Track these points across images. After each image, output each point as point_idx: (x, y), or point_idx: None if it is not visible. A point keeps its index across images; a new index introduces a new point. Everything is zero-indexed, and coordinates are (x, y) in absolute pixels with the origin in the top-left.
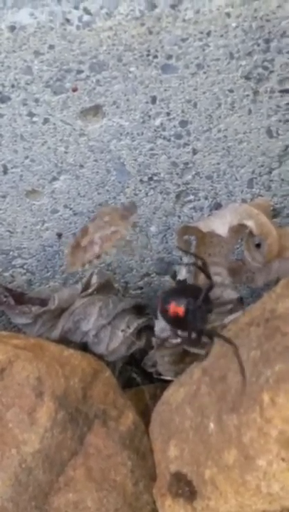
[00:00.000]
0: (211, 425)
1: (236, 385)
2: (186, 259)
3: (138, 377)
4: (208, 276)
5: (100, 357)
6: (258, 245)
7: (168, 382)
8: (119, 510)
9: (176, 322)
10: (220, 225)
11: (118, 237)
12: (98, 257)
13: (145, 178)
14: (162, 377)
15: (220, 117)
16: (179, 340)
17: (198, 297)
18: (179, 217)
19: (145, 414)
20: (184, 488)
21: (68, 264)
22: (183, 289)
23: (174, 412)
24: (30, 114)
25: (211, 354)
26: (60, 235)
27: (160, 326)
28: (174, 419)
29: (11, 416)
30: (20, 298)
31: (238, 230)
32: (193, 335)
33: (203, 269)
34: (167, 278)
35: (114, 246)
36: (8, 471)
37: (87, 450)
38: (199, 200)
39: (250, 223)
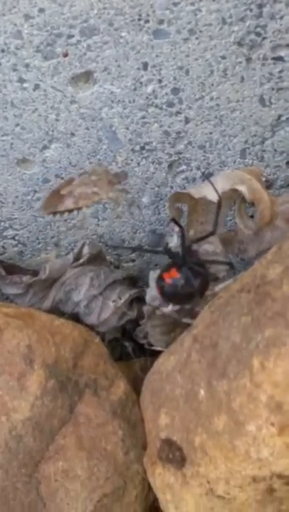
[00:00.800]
0: (202, 392)
1: (227, 352)
2: (177, 228)
3: (129, 347)
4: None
5: (91, 327)
6: (251, 216)
7: (159, 354)
8: (109, 479)
9: (175, 287)
10: (211, 190)
11: (95, 199)
12: (70, 211)
13: (137, 148)
14: (153, 347)
15: (212, 85)
16: (169, 308)
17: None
18: (172, 187)
19: (136, 386)
20: (175, 452)
21: (41, 206)
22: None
23: (165, 381)
24: (21, 80)
25: (202, 322)
26: None
27: (151, 294)
28: (164, 387)
29: (1, 383)
30: (11, 269)
31: (231, 196)
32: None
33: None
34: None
35: (87, 207)
36: None
37: (77, 419)
38: (192, 170)
39: (242, 188)
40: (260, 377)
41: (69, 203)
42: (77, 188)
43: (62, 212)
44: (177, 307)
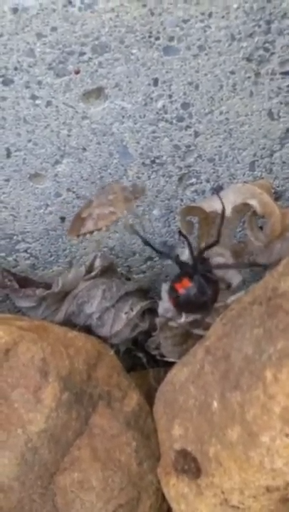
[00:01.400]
0: (215, 403)
1: (240, 363)
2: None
3: (143, 358)
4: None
5: (104, 339)
6: (260, 228)
7: (171, 364)
8: (124, 489)
9: (188, 297)
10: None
11: (114, 219)
12: (91, 232)
13: (148, 161)
14: (166, 358)
15: (222, 99)
16: (182, 319)
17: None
18: (182, 200)
19: (149, 396)
20: (190, 464)
21: (68, 230)
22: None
23: (178, 392)
24: (33, 97)
25: (214, 334)
26: (63, 219)
27: (164, 306)
28: (177, 398)
29: (17, 396)
30: (24, 282)
31: (241, 209)
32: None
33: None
34: (170, 262)
35: (107, 227)
36: (15, 451)
37: (92, 430)
38: (201, 183)
39: (253, 202)
40: (274, 388)
41: (90, 225)
42: (96, 210)
43: (84, 235)
44: (190, 319)
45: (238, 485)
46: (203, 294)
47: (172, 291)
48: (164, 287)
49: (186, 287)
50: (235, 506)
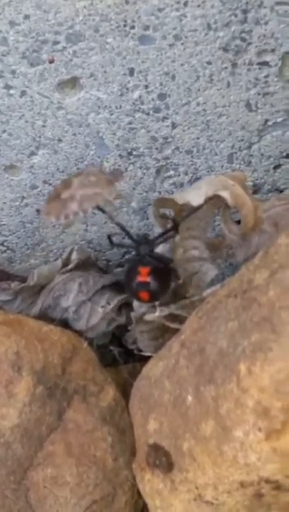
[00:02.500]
0: (189, 398)
1: (214, 357)
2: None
3: (118, 353)
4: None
5: (80, 333)
6: (238, 222)
7: (148, 358)
8: (98, 485)
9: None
10: (195, 196)
11: (98, 200)
12: (76, 214)
13: (124, 153)
14: (142, 353)
15: (198, 90)
16: (157, 313)
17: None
18: (160, 192)
19: (125, 391)
20: (161, 458)
21: (44, 212)
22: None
23: (153, 386)
24: (7, 87)
25: (189, 327)
26: (39, 211)
27: None
28: (153, 393)
29: None
30: (0, 275)
31: (214, 202)
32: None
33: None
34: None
35: (93, 208)
36: None
37: (66, 425)
38: (179, 175)
39: (224, 194)
40: (247, 382)
41: (74, 207)
42: (78, 191)
43: (67, 216)
44: (165, 312)
45: (212, 480)
46: (164, 274)
47: (139, 285)
48: None
49: (148, 274)
50: (209, 502)
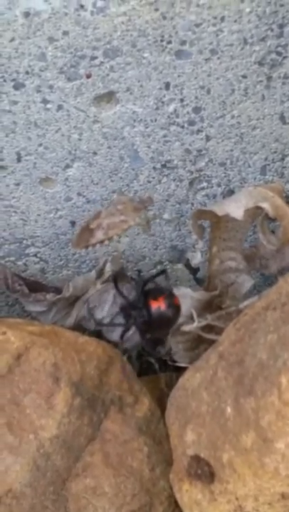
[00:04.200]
0: (228, 409)
1: (254, 369)
2: (200, 245)
3: (155, 363)
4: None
5: (114, 344)
6: (272, 232)
7: (183, 369)
8: (136, 495)
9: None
10: (235, 208)
11: (125, 227)
12: (101, 242)
13: (158, 166)
14: (177, 364)
15: (233, 103)
16: (195, 324)
17: None
18: (192, 204)
19: (161, 402)
20: (204, 468)
21: (73, 242)
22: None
23: (191, 397)
24: (44, 101)
25: (227, 339)
26: (73, 223)
27: None
28: (190, 404)
29: (28, 402)
30: (34, 286)
31: (253, 213)
32: None
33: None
34: (180, 266)
35: (118, 235)
36: (27, 456)
37: (103, 436)
38: (212, 187)
39: (265, 205)
40: None
41: (99, 235)
42: (105, 220)
43: (94, 245)
44: (203, 323)
45: (253, 491)
46: None
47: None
48: (176, 292)
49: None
50: None
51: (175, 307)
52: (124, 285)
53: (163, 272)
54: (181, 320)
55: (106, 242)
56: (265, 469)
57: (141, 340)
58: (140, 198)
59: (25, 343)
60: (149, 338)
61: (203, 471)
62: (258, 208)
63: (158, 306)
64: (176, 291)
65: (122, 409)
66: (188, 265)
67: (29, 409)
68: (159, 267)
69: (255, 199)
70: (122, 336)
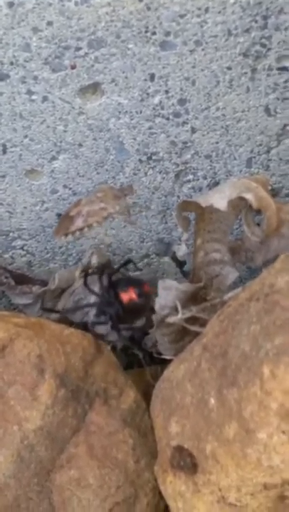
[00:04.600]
0: (212, 400)
1: (237, 360)
2: (185, 237)
3: (141, 355)
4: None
5: (101, 337)
6: (257, 224)
7: (168, 361)
8: (120, 487)
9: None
10: (219, 199)
11: (104, 215)
12: (81, 230)
13: (144, 158)
14: (162, 356)
15: (218, 95)
16: (179, 315)
17: None
18: (178, 197)
19: (146, 394)
20: (186, 459)
21: (54, 231)
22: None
23: (175, 389)
24: (29, 92)
25: (211, 330)
26: (59, 216)
27: (160, 303)
28: (174, 395)
29: (13, 393)
30: (20, 279)
31: (237, 204)
32: None
33: None
34: (167, 259)
35: (98, 222)
36: (11, 448)
37: (88, 428)
38: (198, 179)
39: (249, 196)
40: (271, 385)
41: (79, 222)
42: (85, 207)
43: (73, 232)
44: (187, 315)
45: (236, 482)
46: None
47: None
48: (161, 284)
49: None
50: (232, 504)
51: (145, 295)
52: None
53: (128, 261)
54: (165, 312)
55: (85, 230)
56: (247, 460)
57: (116, 333)
58: (121, 186)
59: (10, 335)
60: (134, 330)
61: (186, 463)
62: (242, 199)
63: (129, 297)
64: (160, 283)
65: (107, 401)
66: (174, 258)
67: (13, 401)
68: (145, 260)
69: (238, 190)
70: (93, 326)
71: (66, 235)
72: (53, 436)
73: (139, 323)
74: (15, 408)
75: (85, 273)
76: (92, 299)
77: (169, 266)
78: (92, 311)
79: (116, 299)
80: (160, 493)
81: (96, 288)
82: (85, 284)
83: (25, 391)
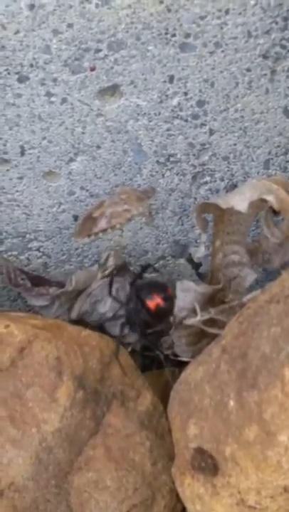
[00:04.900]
0: (231, 403)
1: (257, 362)
2: (203, 238)
3: (161, 355)
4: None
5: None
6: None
7: (184, 364)
8: (138, 489)
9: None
10: (239, 201)
11: (128, 216)
12: (104, 231)
13: (162, 159)
14: (179, 358)
15: (237, 97)
16: (197, 319)
17: None
18: (195, 199)
19: (164, 396)
20: (207, 460)
21: (76, 233)
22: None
23: (193, 391)
24: (49, 94)
25: (230, 332)
26: (76, 218)
27: (179, 305)
28: (193, 398)
29: (31, 395)
30: (36, 280)
31: (257, 206)
32: None
33: None
34: (182, 261)
35: (121, 224)
36: (29, 450)
37: (106, 430)
38: (215, 181)
39: (270, 198)
40: None
41: (102, 224)
42: (108, 209)
43: (96, 234)
44: (205, 317)
45: (255, 485)
46: None
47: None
48: (180, 285)
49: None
50: (252, 506)
51: (170, 299)
52: (126, 279)
53: (148, 266)
54: (184, 314)
55: (109, 231)
56: (267, 462)
57: (142, 338)
58: (143, 188)
59: (28, 337)
60: (151, 333)
61: (207, 464)
62: (262, 200)
63: (156, 304)
64: (179, 285)
65: (124, 403)
66: (190, 260)
67: (32, 403)
68: (161, 262)
69: (259, 191)
70: (121, 331)
71: (89, 236)
72: (71, 438)
73: (162, 326)
74: (33, 410)
75: (110, 282)
76: (109, 301)
77: (185, 268)
78: (109, 314)
79: (143, 306)
80: (177, 495)
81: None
82: (110, 293)
83: (44, 393)
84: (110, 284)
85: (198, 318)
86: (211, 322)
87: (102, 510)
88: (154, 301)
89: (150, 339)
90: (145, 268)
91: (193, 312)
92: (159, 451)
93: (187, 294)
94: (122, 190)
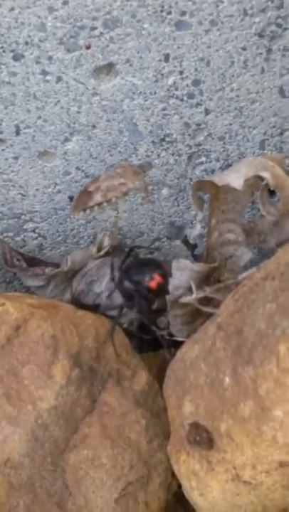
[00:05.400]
0: (227, 379)
1: (252, 338)
2: (200, 217)
3: (158, 333)
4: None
5: (112, 318)
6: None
7: (180, 343)
8: (133, 467)
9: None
10: (235, 178)
11: (124, 190)
12: (100, 204)
13: (157, 140)
14: (174, 338)
15: (233, 76)
16: (192, 297)
17: None
18: (191, 179)
19: (160, 376)
20: (202, 434)
21: (72, 207)
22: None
23: (189, 369)
24: (44, 73)
25: (226, 310)
26: (71, 198)
27: (174, 283)
28: (188, 375)
29: (27, 373)
30: (32, 261)
31: (253, 183)
32: None
33: None
34: (178, 242)
35: (117, 198)
36: (25, 427)
37: (101, 408)
38: (211, 161)
39: (265, 175)
40: (287, 362)
41: (98, 197)
42: (104, 182)
43: (92, 207)
44: (201, 295)
45: (250, 460)
46: None
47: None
48: (175, 264)
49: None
50: (247, 482)
51: (166, 274)
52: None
53: (133, 249)
54: (179, 292)
55: (104, 205)
56: (263, 437)
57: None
58: (140, 163)
59: (24, 315)
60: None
61: (202, 437)
62: (258, 178)
63: (156, 283)
64: (174, 264)
65: (119, 382)
66: (186, 241)
67: (27, 380)
68: (156, 244)
69: (255, 168)
70: (119, 313)
71: (85, 210)
72: (66, 415)
73: (159, 302)
74: (29, 387)
75: (120, 275)
76: (105, 281)
77: (180, 249)
78: (105, 294)
79: (143, 286)
80: (173, 473)
81: (109, 271)
82: (120, 283)
83: (40, 371)
84: (112, 268)
85: (194, 296)
86: (207, 301)
87: (98, 488)
88: (154, 281)
89: (150, 318)
90: (130, 251)
91: (189, 290)
92: (155, 429)
93: (183, 272)
94: (118, 165)
